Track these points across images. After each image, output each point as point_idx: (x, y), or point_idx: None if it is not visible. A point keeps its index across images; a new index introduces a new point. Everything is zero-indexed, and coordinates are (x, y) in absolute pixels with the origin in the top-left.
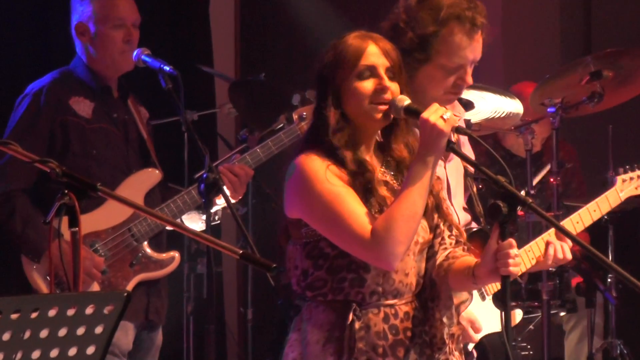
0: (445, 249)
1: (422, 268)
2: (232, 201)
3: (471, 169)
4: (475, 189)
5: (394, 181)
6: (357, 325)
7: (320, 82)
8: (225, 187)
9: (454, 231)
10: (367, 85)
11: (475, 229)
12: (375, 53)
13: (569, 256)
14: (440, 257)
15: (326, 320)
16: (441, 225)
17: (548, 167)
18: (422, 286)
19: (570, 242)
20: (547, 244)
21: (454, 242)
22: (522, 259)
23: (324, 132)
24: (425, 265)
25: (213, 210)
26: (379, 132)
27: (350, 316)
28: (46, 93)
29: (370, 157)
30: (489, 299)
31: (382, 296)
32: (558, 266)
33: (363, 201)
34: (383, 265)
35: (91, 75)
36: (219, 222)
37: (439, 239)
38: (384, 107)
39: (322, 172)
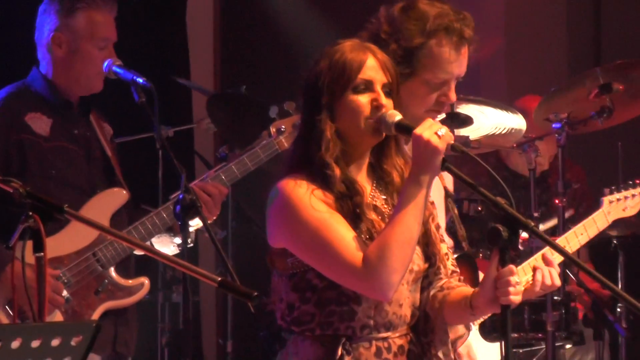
0: (440, 279)
1: (417, 299)
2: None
3: (451, 190)
4: (456, 211)
5: (385, 206)
6: None
7: (313, 93)
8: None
9: (451, 260)
10: (363, 99)
11: (458, 254)
12: (373, 67)
13: (558, 282)
14: (435, 288)
15: (314, 355)
16: (437, 253)
17: (555, 222)
18: (417, 319)
19: (558, 268)
20: (535, 269)
21: (450, 272)
22: None
23: (316, 148)
24: (419, 297)
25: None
26: (370, 153)
27: (340, 351)
28: (0, 109)
29: (360, 179)
30: (475, 328)
31: (374, 329)
32: (564, 295)
33: (352, 227)
34: (377, 296)
35: (50, 89)
36: (191, 245)
37: (434, 268)
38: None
39: (306, 197)
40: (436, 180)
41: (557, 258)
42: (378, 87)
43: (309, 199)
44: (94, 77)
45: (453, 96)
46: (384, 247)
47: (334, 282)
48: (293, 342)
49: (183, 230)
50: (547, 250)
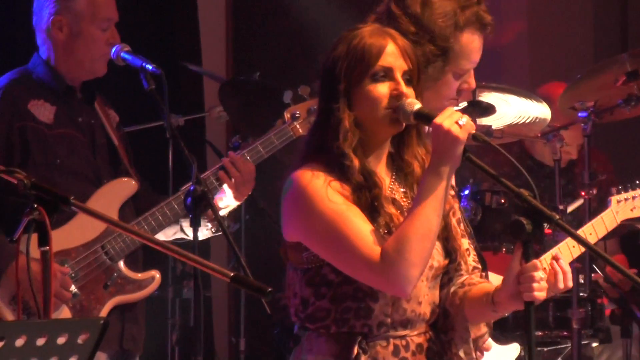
0: (461, 275)
1: (436, 296)
2: (233, 205)
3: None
4: (459, 206)
5: (404, 199)
6: (363, 359)
7: (330, 80)
8: (226, 188)
9: (472, 256)
10: (382, 89)
11: None
12: (393, 53)
13: (570, 284)
14: (455, 285)
15: (329, 353)
16: (457, 249)
17: (580, 202)
18: (436, 316)
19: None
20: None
21: (470, 268)
22: None
23: (333, 137)
24: (438, 294)
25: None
26: (390, 142)
27: (356, 349)
28: (2, 97)
29: (379, 170)
30: None
31: (392, 327)
32: (590, 291)
33: (369, 220)
34: (395, 291)
35: (53, 75)
36: (219, 233)
37: (455, 264)
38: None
39: (322, 189)
40: None
41: (567, 256)
42: (398, 75)
43: (326, 191)
44: (97, 59)
45: (474, 82)
46: (402, 241)
47: (350, 277)
48: (307, 339)
49: (194, 223)
50: (557, 250)
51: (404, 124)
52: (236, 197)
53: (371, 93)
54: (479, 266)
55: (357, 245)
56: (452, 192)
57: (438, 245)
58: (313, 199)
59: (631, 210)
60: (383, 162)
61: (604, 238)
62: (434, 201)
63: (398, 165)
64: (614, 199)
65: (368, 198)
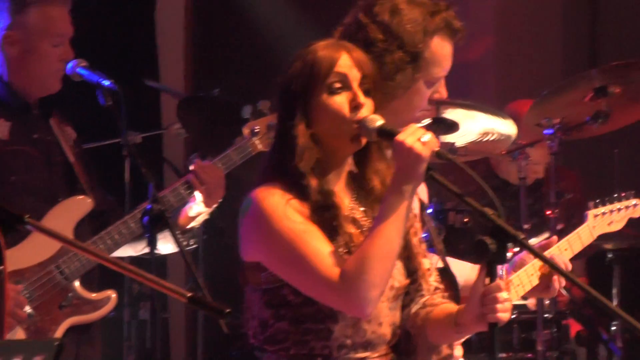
0: (423, 295)
1: (397, 317)
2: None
3: (427, 202)
4: (433, 224)
5: (365, 218)
6: None
7: (286, 97)
8: (196, 194)
9: (434, 276)
10: (340, 99)
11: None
12: (347, 64)
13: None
14: (416, 305)
15: None
16: (418, 268)
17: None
18: (398, 338)
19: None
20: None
21: (432, 288)
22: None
23: (291, 156)
24: (400, 315)
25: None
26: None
27: None
28: None
29: (339, 189)
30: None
31: (352, 349)
32: (555, 312)
33: (329, 240)
34: (355, 312)
35: (7, 91)
36: (195, 245)
37: (416, 284)
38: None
39: (281, 208)
40: None
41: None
42: (355, 85)
43: (285, 210)
44: (50, 76)
45: (445, 92)
46: (363, 261)
47: (310, 298)
48: None
49: (151, 242)
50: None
51: (365, 141)
52: (207, 204)
53: (329, 106)
54: (441, 286)
55: (316, 266)
56: (415, 211)
57: (399, 265)
58: (272, 218)
59: (608, 224)
60: (343, 180)
61: (575, 258)
62: (396, 221)
63: (358, 183)
64: (590, 213)
65: (327, 218)
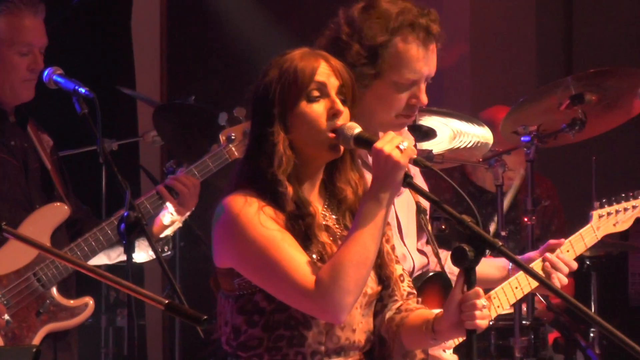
0: (396, 301)
1: (370, 323)
2: (178, 220)
3: (424, 204)
4: (430, 228)
5: (337, 226)
6: None
7: (263, 105)
8: (168, 204)
9: (406, 282)
10: (318, 108)
11: (432, 273)
12: (325, 72)
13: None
14: (390, 311)
15: None
16: (391, 275)
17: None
18: (372, 344)
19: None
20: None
21: (405, 294)
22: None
23: (267, 163)
24: (373, 321)
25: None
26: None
27: None
28: None
29: (312, 197)
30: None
31: (325, 355)
32: (533, 319)
33: (302, 248)
34: (329, 319)
35: None
36: (169, 253)
37: (389, 290)
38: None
39: (255, 215)
40: (407, 194)
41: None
42: (332, 93)
43: (258, 217)
44: (18, 85)
45: (424, 98)
46: (338, 267)
47: (283, 304)
48: None
49: (128, 249)
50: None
51: (342, 150)
52: (179, 212)
53: (307, 115)
54: (414, 291)
55: (290, 272)
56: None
57: (372, 272)
58: (245, 225)
59: (614, 225)
60: (316, 188)
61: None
62: (372, 228)
63: (331, 192)
64: (595, 213)
65: (301, 226)
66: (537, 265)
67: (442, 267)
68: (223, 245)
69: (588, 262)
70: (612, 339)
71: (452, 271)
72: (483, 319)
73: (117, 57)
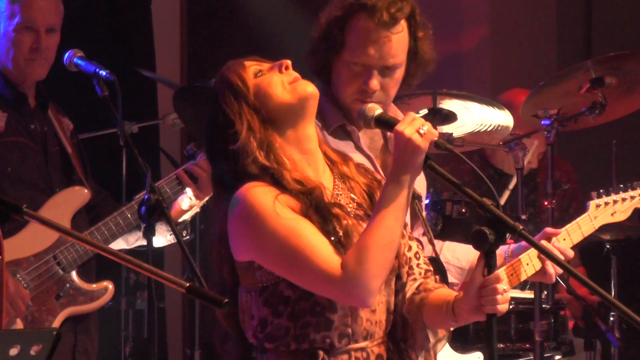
0: (415, 279)
1: (391, 302)
2: (197, 204)
3: (419, 190)
4: (424, 214)
5: (350, 205)
6: None
7: (229, 107)
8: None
9: (422, 259)
10: (267, 78)
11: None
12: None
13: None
14: (410, 290)
15: None
16: (406, 252)
17: (514, 182)
18: (393, 324)
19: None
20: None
21: (423, 271)
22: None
23: (244, 157)
24: (394, 300)
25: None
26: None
27: None
28: None
29: (315, 173)
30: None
31: (352, 339)
32: (553, 303)
33: (321, 228)
34: (356, 303)
35: (4, 82)
36: (187, 237)
37: (406, 267)
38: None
39: (270, 204)
40: None
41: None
42: (267, 66)
43: (274, 206)
44: (22, 63)
45: (374, 84)
46: (363, 251)
47: (307, 292)
48: (267, 358)
49: (148, 232)
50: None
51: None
52: (197, 197)
53: (263, 86)
54: (431, 268)
55: (313, 259)
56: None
57: None
58: (263, 215)
59: (612, 215)
60: (317, 165)
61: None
62: (396, 210)
63: (337, 173)
64: (592, 202)
65: (312, 202)
66: (533, 253)
67: (436, 254)
68: (242, 239)
69: (608, 246)
70: (631, 322)
71: (447, 260)
72: (504, 303)
73: (137, 39)
